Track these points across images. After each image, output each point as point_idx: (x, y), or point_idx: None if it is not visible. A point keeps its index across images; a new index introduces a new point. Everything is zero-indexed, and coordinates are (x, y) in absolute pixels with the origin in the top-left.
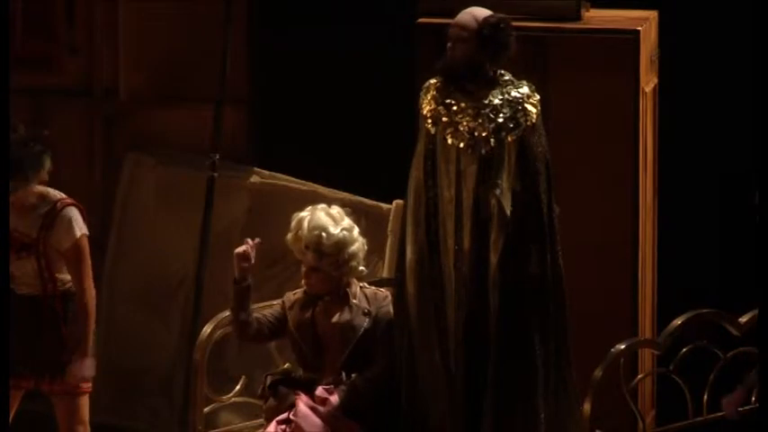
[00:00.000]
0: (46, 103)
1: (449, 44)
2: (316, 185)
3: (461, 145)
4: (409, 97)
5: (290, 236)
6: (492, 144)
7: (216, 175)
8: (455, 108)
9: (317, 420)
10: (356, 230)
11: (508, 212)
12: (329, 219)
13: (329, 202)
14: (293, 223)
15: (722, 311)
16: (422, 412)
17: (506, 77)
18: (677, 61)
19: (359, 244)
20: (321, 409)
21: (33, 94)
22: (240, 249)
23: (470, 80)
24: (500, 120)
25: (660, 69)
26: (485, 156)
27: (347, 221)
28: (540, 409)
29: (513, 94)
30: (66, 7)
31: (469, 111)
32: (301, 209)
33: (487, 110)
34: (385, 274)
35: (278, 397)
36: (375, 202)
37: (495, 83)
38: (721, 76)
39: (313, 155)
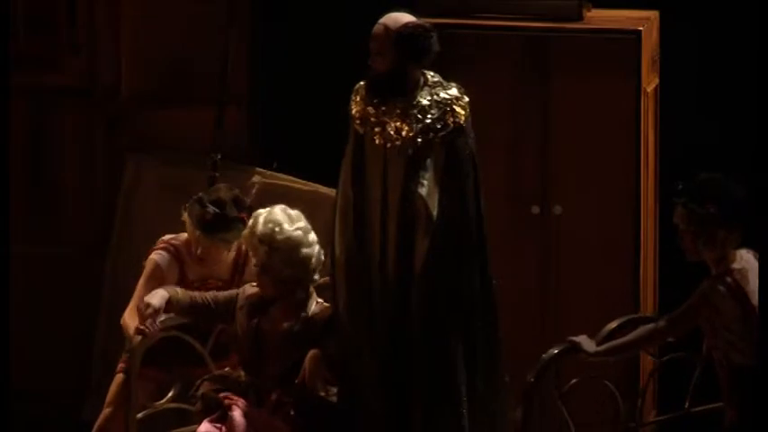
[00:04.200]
0: (48, 102)
1: (370, 58)
2: (317, 185)
3: (389, 145)
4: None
5: (245, 231)
6: (419, 145)
7: (217, 174)
8: (383, 108)
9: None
10: (312, 236)
11: (434, 214)
12: (285, 216)
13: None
14: (251, 220)
15: (657, 315)
16: (357, 413)
17: (435, 79)
18: (678, 61)
19: (313, 250)
20: (257, 414)
21: (35, 94)
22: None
23: (398, 88)
24: (428, 120)
25: (661, 69)
26: (412, 156)
27: (304, 224)
28: (465, 419)
29: (442, 95)
30: (68, 7)
31: (397, 111)
32: (303, 208)
33: (415, 110)
34: None
35: (205, 406)
36: None
37: (424, 83)
38: (722, 75)
39: (314, 155)
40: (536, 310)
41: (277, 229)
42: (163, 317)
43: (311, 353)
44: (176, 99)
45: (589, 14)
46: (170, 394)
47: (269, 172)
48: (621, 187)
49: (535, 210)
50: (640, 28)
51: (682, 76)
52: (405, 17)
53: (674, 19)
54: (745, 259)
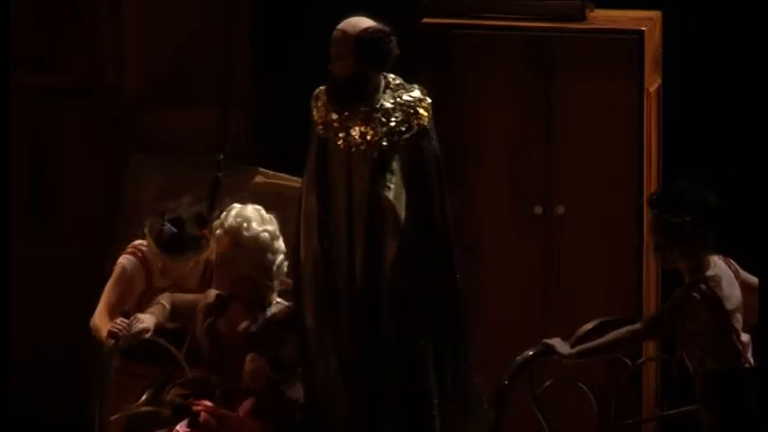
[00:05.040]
0: (50, 102)
1: (330, 63)
2: None
3: (353, 150)
4: None
5: (216, 223)
6: (384, 148)
7: (221, 175)
8: (346, 113)
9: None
10: (280, 243)
11: (402, 216)
12: (257, 215)
13: None
14: (224, 212)
15: (633, 317)
16: (321, 419)
17: (397, 81)
18: (681, 61)
19: (276, 257)
20: (225, 415)
21: (38, 94)
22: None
23: (358, 93)
24: (392, 123)
25: (664, 69)
26: (377, 160)
27: (273, 228)
28: (436, 421)
29: (405, 97)
30: (71, 7)
31: (361, 115)
32: None
33: (379, 114)
34: None
35: (174, 412)
36: None
37: (386, 87)
38: (725, 75)
39: None
40: (538, 311)
41: (245, 225)
42: (135, 319)
43: (250, 356)
44: (179, 99)
45: (592, 14)
46: (143, 397)
47: (272, 172)
48: (624, 187)
49: (538, 210)
50: (643, 28)
51: (684, 76)
52: (364, 22)
53: (677, 19)
54: (718, 266)
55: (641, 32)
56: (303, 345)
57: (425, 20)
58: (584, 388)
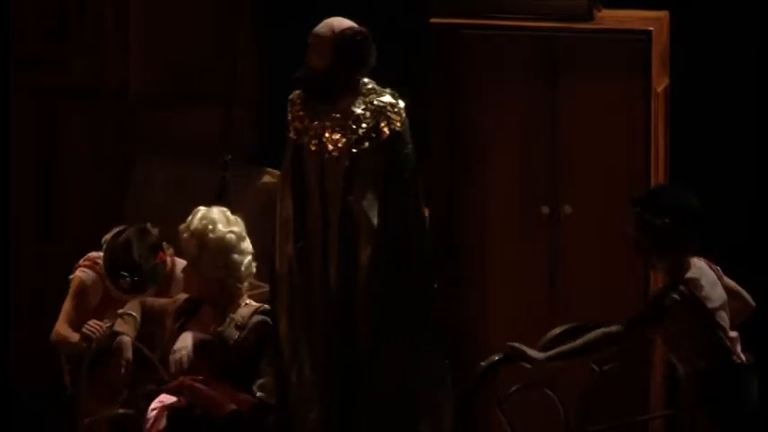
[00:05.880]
0: (55, 102)
1: (307, 54)
2: None
3: (326, 156)
4: (421, 97)
5: (182, 226)
6: (355, 154)
7: (228, 174)
8: (319, 119)
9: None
10: (247, 244)
11: (375, 223)
12: (223, 217)
13: None
14: (190, 216)
15: (602, 322)
16: (294, 422)
17: (369, 86)
18: (689, 61)
19: (243, 257)
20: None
21: (43, 94)
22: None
23: (328, 90)
24: (362, 130)
25: (671, 69)
26: (349, 167)
27: (239, 229)
28: (413, 423)
29: (376, 102)
30: (76, 6)
31: (332, 121)
32: None
33: (350, 120)
34: None
35: (146, 402)
36: None
37: (357, 92)
38: (732, 75)
39: None
40: (545, 310)
41: (210, 227)
42: (108, 323)
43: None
44: (185, 99)
45: (599, 14)
46: (119, 400)
47: (278, 172)
48: (631, 188)
49: (545, 210)
50: (651, 28)
51: (692, 76)
52: (350, 23)
53: (685, 19)
54: (698, 267)
55: (649, 32)
56: (277, 349)
57: (434, 19)
58: (551, 393)
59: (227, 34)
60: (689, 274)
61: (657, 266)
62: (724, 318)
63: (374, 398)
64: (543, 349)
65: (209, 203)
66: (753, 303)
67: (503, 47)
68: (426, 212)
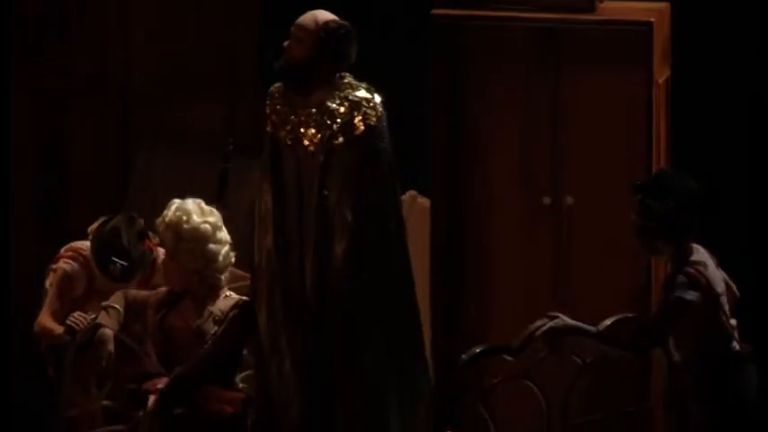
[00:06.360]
0: (58, 99)
1: (287, 43)
2: None
3: (301, 150)
4: (422, 90)
5: (158, 220)
6: (330, 149)
7: (229, 167)
8: (295, 114)
9: None
10: (223, 234)
11: (350, 218)
12: (197, 208)
13: None
14: (166, 209)
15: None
16: (275, 418)
17: (346, 80)
18: (690, 52)
19: (220, 247)
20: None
21: (45, 91)
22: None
23: (305, 82)
24: (337, 124)
25: (673, 61)
26: (324, 161)
27: (215, 220)
28: (390, 416)
29: (350, 97)
30: (77, 4)
31: (308, 116)
32: None
33: (325, 115)
34: None
35: (130, 400)
36: None
37: (333, 86)
38: (734, 66)
39: None
40: (547, 301)
41: (185, 218)
42: (92, 315)
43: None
44: (187, 94)
45: (601, 6)
46: (101, 393)
47: None
48: (633, 178)
49: (546, 201)
50: (652, 19)
51: (693, 67)
52: (334, 16)
53: (686, 10)
54: (702, 252)
55: (650, 24)
56: (257, 343)
57: (435, 11)
58: (533, 386)
59: (227, 31)
60: (694, 257)
61: (663, 251)
62: (725, 304)
63: (350, 393)
64: (519, 346)
65: (209, 199)
66: (737, 293)
67: (505, 39)
68: (427, 204)
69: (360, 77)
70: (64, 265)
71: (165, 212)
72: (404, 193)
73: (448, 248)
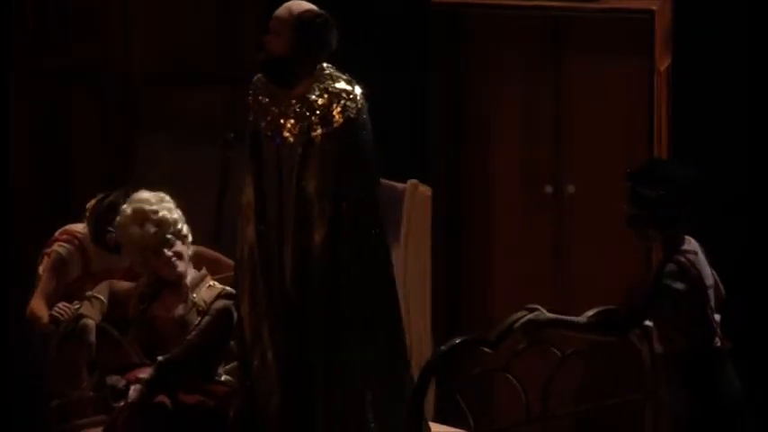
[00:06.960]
0: (59, 85)
1: (266, 37)
2: None
3: (281, 142)
4: (422, 79)
5: (118, 219)
6: (308, 141)
7: (230, 156)
8: (276, 105)
9: None
10: (171, 204)
11: (328, 210)
12: (152, 195)
13: None
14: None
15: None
16: (257, 407)
17: (326, 72)
18: (692, 40)
19: (172, 213)
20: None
21: (47, 78)
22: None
23: (287, 75)
24: (316, 115)
25: (674, 49)
26: (303, 152)
27: (169, 205)
28: (368, 412)
29: (330, 89)
30: None
31: (288, 107)
32: None
33: (305, 106)
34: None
35: (112, 394)
36: (389, 182)
37: (315, 78)
38: (736, 55)
39: None
40: (548, 290)
41: (146, 207)
42: (78, 305)
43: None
44: (188, 80)
45: None
46: (88, 383)
47: None
48: (634, 166)
49: (548, 189)
50: (654, 7)
51: (695, 55)
52: (312, 6)
53: None
54: (693, 243)
55: (652, 12)
56: (240, 335)
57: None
58: (512, 378)
59: (230, 17)
60: (685, 246)
61: (655, 239)
62: (712, 299)
63: (328, 382)
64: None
65: (211, 184)
66: (724, 292)
67: (506, 26)
68: (429, 193)
69: (359, 66)
70: (58, 248)
71: (123, 207)
72: (405, 181)
73: (449, 237)
